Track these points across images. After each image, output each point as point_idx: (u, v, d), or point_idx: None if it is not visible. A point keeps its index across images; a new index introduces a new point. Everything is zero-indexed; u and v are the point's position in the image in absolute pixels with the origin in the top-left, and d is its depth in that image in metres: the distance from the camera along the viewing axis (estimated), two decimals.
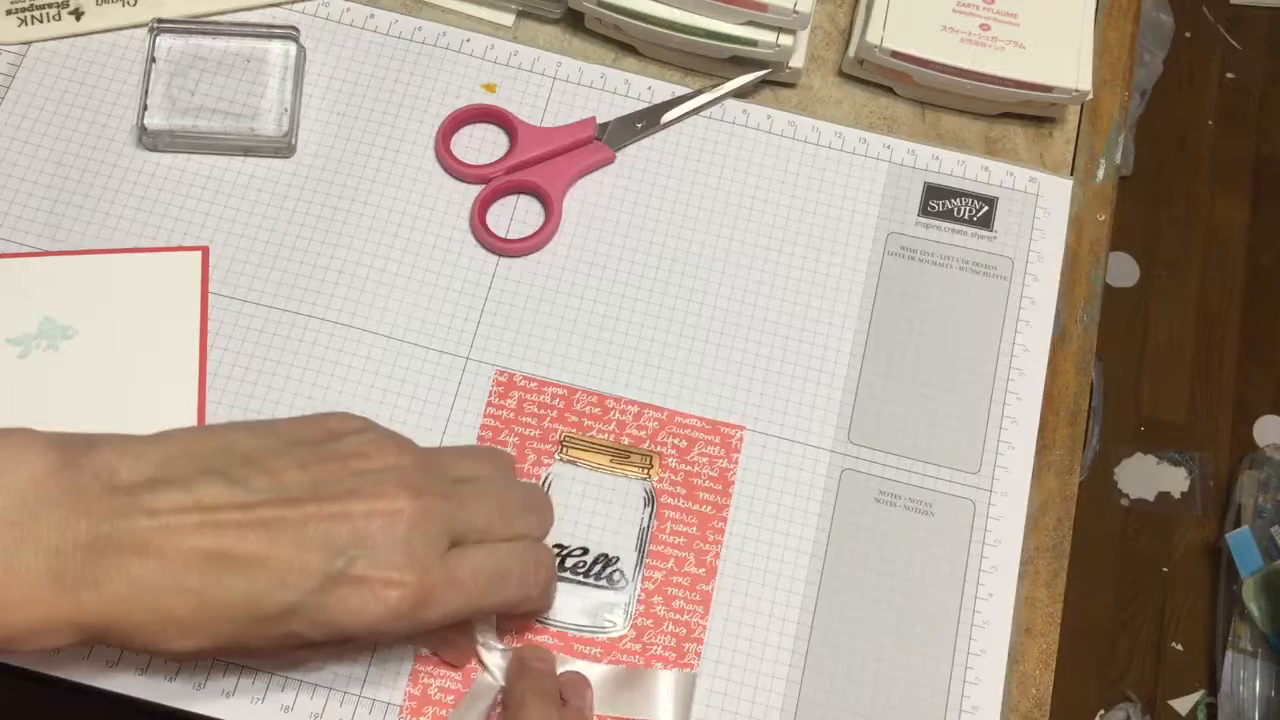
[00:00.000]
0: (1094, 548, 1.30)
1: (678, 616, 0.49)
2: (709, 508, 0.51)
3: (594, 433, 0.52)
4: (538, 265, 0.55)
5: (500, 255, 0.55)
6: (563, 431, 0.52)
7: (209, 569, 0.39)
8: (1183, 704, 1.25)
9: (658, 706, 0.48)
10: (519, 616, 0.48)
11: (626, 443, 0.52)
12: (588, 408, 0.52)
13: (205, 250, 0.54)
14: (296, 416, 0.44)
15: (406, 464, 0.42)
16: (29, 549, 0.37)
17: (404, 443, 0.44)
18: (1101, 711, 1.24)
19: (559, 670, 0.48)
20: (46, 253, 0.53)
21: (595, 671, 0.48)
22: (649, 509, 0.51)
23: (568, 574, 0.50)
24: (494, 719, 0.47)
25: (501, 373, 0.53)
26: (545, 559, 0.46)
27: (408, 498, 0.41)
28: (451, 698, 0.47)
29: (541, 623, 0.49)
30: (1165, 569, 1.30)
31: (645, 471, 0.51)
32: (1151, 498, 1.33)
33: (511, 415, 0.52)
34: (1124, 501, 1.33)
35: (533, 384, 0.52)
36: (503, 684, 0.47)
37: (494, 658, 0.47)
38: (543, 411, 0.52)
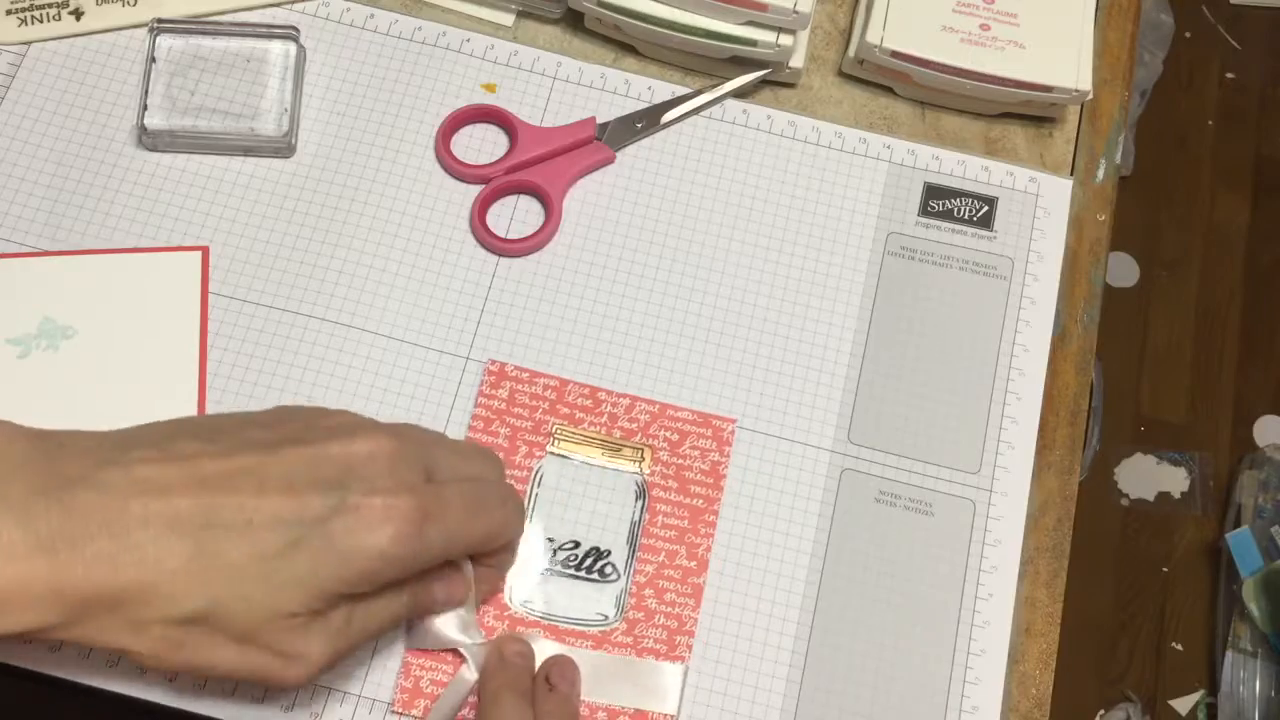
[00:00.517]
0: (1094, 548, 1.30)
1: (669, 609, 0.49)
2: (700, 501, 0.51)
3: (585, 425, 0.52)
4: (538, 265, 0.55)
5: (500, 255, 0.55)
6: (554, 424, 0.52)
7: (199, 515, 0.37)
8: (1183, 704, 1.25)
9: (648, 695, 0.48)
10: (495, 558, 0.47)
11: (618, 435, 0.52)
12: (579, 400, 0.52)
13: (205, 250, 0.54)
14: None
15: (366, 420, 0.43)
16: None
17: (359, 415, 0.44)
18: (1101, 711, 1.24)
19: (549, 654, 0.48)
20: (46, 253, 0.53)
21: (585, 659, 0.48)
22: (640, 502, 0.51)
23: (559, 567, 0.50)
24: (470, 707, 0.47)
25: (493, 363, 0.53)
26: (511, 490, 0.47)
27: (383, 436, 0.41)
28: (442, 690, 0.47)
29: (532, 615, 0.49)
30: (1165, 569, 1.30)
31: (637, 464, 0.51)
32: (1151, 498, 1.33)
33: (504, 406, 0.52)
34: (1124, 501, 1.33)
35: (524, 374, 0.52)
36: (477, 676, 0.47)
37: (473, 650, 0.47)
38: (534, 403, 0.52)
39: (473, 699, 0.47)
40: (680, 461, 0.52)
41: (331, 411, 0.43)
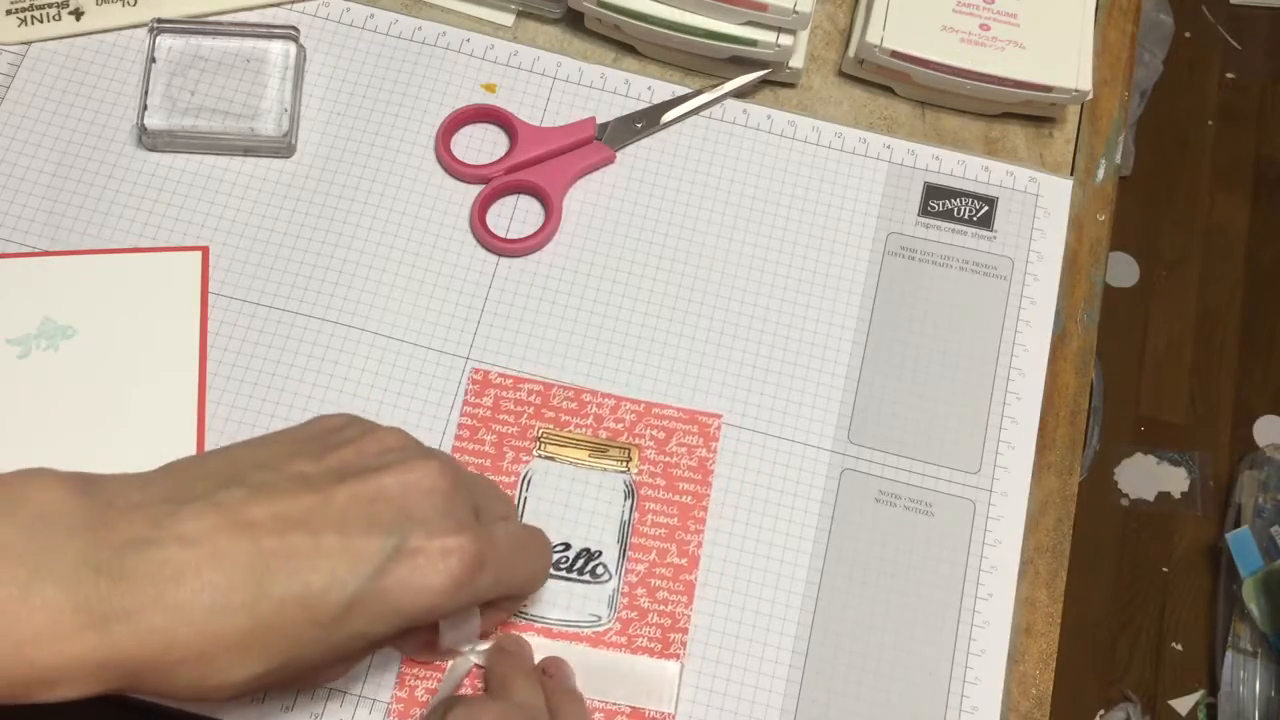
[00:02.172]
0: (1094, 548, 1.30)
1: (662, 608, 0.49)
2: (689, 498, 0.51)
3: (571, 428, 0.52)
4: (538, 265, 0.55)
5: (500, 255, 0.55)
6: (540, 428, 0.52)
7: (253, 579, 0.35)
8: (1183, 704, 1.25)
9: (643, 693, 0.48)
10: (510, 605, 0.48)
11: (605, 436, 0.52)
12: (564, 403, 0.52)
13: (205, 250, 0.54)
14: (286, 427, 0.43)
15: (414, 444, 0.42)
16: (45, 582, 0.33)
17: (399, 430, 0.43)
18: (1101, 711, 1.24)
19: (543, 654, 0.48)
20: (46, 253, 0.53)
21: (579, 657, 0.48)
22: (629, 501, 0.51)
23: (550, 570, 0.50)
24: (474, 688, 0.47)
25: (478, 371, 0.53)
26: (541, 533, 0.46)
27: (436, 470, 0.40)
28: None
29: (526, 618, 0.49)
30: (1165, 569, 1.30)
31: (624, 464, 0.52)
32: (1151, 498, 1.33)
33: (488, 414, 0.52)
34: (1124, 501, 1.33)
35: (508, 381, 0.52)
36: (478, 664, 0.47)
37: (471, 656, 0.47)
38: (519, 408, 0.52)
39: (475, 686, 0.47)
40: (667, 459, 0.52)
41: (379, 431, 0.41)
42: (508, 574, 0.42)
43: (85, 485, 0.36)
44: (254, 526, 0.36)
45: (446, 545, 0.38)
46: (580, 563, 0.50)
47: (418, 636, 0.46)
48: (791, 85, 0.60)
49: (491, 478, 0.51)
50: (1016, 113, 0.59)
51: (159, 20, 0.56)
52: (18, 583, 0.33)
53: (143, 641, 0.34)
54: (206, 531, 0.36)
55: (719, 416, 0.53)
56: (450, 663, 0.47)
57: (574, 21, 0.60)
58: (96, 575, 0.34)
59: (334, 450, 0.40)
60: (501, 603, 0.46)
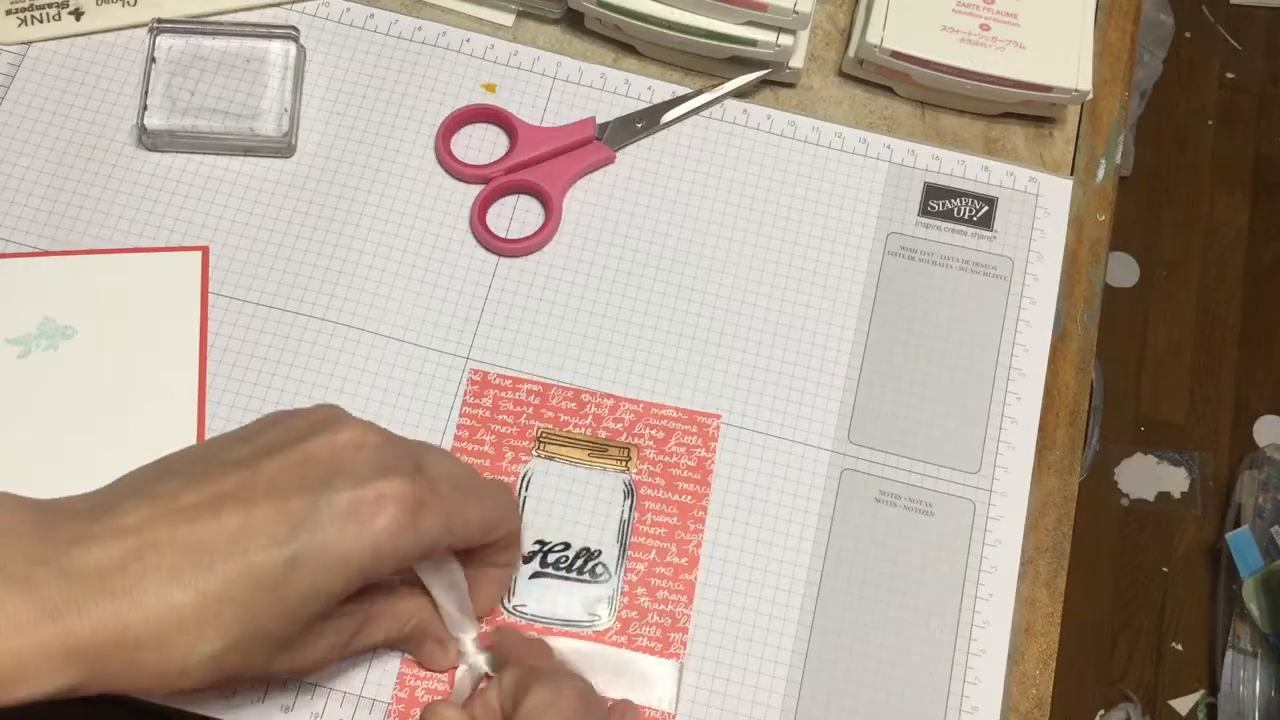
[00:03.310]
0: (1094, 548, 1.30)
1: (662, 607, 0.49)
2: (689, 497, 0.51)
3: (570, 428, 0.52)
4: (538, 265, 0.55)
5: (500, 255, 0.55)
6: (539, 428, 0.52)
7: (194, 559, 0.37)
8: (1183, 704, 1.25)
9: (642, 691, 0.48)
10: (500, 557, 0.47)
11: (604, 436, 0.52)
12: (564, 403, 0.52)
13: (205, 250, 0.54)
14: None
15: (342, 413, 0.42)
16: (0, 582, 0.35)
17: (336, 406, 0.44)
18: (1101, 711, 1.24)
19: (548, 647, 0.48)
20: (46, 253, 0.53)
21: (577, 650, 0.48)
22: (629, 501, 0.51)
23: (550, 570, 0.50)
24: (485, 687, 0.47)
25: (476, 372, 0.53)
26: (502, 482, 0.46)
27: (364, 429, 0.41)
28: (439, 699, 0.47)
29: (526, 618, 0.49)
30: (1165, 569, 1.30)
31: (624, 464, 0.52)
32: (1151, 498, 1.33)
33: (488, 414, 0.52)
34: (1124, 501, 1.33)
35: (507, 381, 0.53)
36: (488, 671, 0.47)
37: (475, 657, 0.47)
38: (518, 409, 0.52)
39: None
40: (666, 459, 0.52)
41: (309, 409, 0.43)
42: (459, 516, 0.41)
43: (37, 502, 0.38)
44: (188, 509, 0.38)
45: (380, 489, 0.39)
46: (580, 562, 0.50)
47: (427, 640, 0.46)
48: (791, 85, 0.60)
49: (491, 478, 0.51)
50: (1016, 113, 0.59)
51: (159, 20, 0.56)
52: None
53: (97, 628, 0.35)
54: (144, 520, 0.37)
55: (718, 416, 0.53)
56: (458, 673, 0.47)
57: (574, 21, 0.60)
58: (46, 571, 0.35)
59: (265, 432, 0.41)
60: (491, 563, 0.46)
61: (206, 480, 0.39)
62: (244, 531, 0.37)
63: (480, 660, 0.47)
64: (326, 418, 0.42)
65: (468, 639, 0.47)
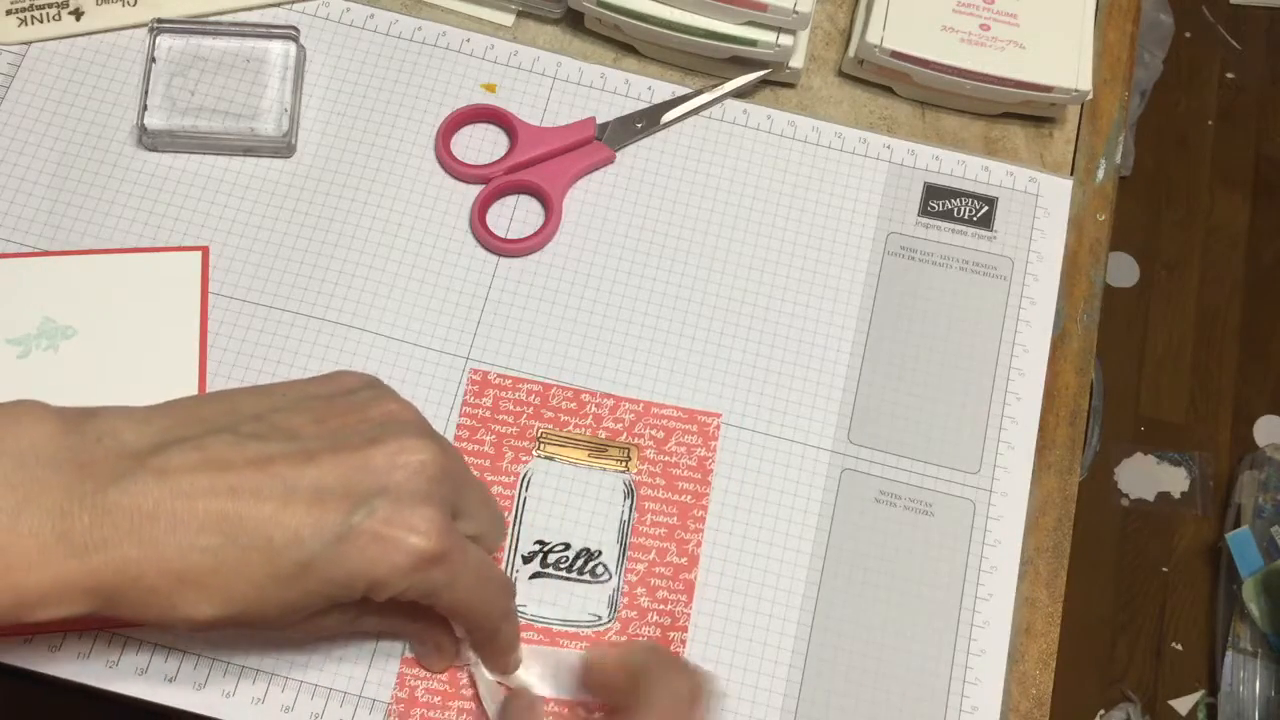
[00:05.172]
0: (1094, 548, 1.30)
1: (661, 606, 0.49)
2: (689, 497, 0.51)
3: (570, 428, 0.52)
4: (538, 265, 0.55)
5: (500, 255, 0.55)
6: (539, 428, 0.52)
7: (224, 527, 0.38)
8: (1183, 704, 1.25)
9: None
10: (479, 650, 0.47)
11: (604, 436, 0.52)
12: (564, 403, 0.52)
13: (205, 250, 0.54)
14: (303, 378, 0.44)
15: (422, 421, 0.43)
16: (33, 511, 0.36)
17: (412, 406, 0.44)
18: (1101, 711, 1.24)
19: (543, 656, 0.48)
20: (46, 253, 0.53)
21: (576, 656, 0.48)
22: (629, 501, 0.51)
23: (550, 570, 0.50)
24: None
25: (476, 372, 0.53)
26: (508, 581, 0.46)
27: (431, 450, 0.40)
28: (438, 698, 0.47)
29: (526, 618, 0.49)
30: (1165, 569, 1.30)
31: (624, 464, 0.52)
32: (1151, 498, 1.33)
33: (488, 414, 0.52)
34: (1124, 501, 1.33)
35: (508, 381, 0.53)
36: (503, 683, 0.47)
37: (486, 687, 0.47)
38: (519, 409, 0.52)
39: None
40: (666, 459, 0.52)
41: (388, 401, 0.42)
42: (464, 590, 0.41)
43: (78, 423, 0.38)
44: (232, 477, 0.38)
45: (414, 526, 0.39)
46: (580, 562, 0.50)
47: (428, 640, 0.46)
48: (791, 85, 0.60)
49: (491, 478, 0.51)
50: (1016, 113, 0.59)
51: (159, 20, 0.56)
52: (7, 511, 0.36)
53: (118, 570, 0.37)
54: (187, 473, 0.38)
55: (718, 416, 0.53)
56: (484, 691, 0.47)
57: (574, 21, 0.60)
58: (80, 508, 0.36)
59: (338, 414, 0.41)
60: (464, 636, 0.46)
61: (259, 449, 0.39)
62: (274, 521, 0.38)
63: (491, 680, 0.47)
64: (401, 421, 0.42)
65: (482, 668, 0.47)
